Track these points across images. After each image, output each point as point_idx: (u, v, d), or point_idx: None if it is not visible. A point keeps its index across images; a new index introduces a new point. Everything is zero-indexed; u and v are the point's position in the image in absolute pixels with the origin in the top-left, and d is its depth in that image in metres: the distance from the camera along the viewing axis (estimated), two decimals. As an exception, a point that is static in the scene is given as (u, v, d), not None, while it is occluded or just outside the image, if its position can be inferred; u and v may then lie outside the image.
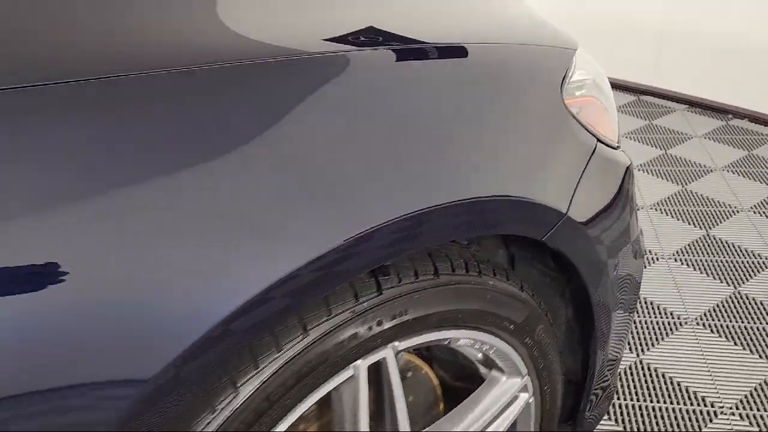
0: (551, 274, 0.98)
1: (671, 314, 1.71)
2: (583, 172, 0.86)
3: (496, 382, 0.90)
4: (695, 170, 2.49)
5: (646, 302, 1.75)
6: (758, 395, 1.45)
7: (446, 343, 0.79)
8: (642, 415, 1.42)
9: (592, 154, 0.89)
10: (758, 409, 1.41)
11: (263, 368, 0.61)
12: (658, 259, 1.93)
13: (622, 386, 1.49)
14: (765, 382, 1.48)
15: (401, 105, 0.66)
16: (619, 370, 1.37)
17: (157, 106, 0.56)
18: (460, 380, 0.98)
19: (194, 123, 0.57)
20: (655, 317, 1.69)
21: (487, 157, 0.72)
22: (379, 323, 0.68)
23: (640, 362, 1.55)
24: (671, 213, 2.20)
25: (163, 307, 0.54)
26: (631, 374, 1.52)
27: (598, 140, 0.92)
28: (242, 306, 0.56)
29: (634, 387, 1.49)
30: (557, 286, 0.99)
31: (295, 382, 0.63)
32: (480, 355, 0.90)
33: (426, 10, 0.86)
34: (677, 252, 1.97)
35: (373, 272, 0.69)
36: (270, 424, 0.63)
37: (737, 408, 1.42)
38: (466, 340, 0.80)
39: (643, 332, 1.64)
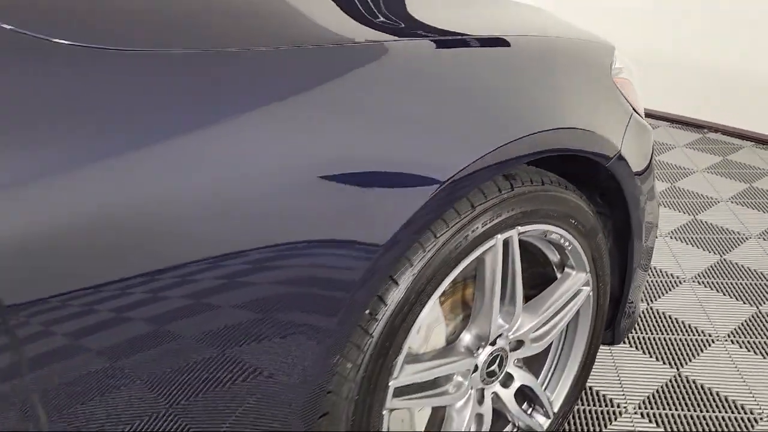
0: (599, 210, 1.36)
1: (671, 275, 2.10)
2: (627, 126, 1.25)
3: (568, 276, 1.26)
4: (681, 172, 2.93)
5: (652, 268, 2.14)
6: (749, 324, 1.84)
7: (543, 235, 1.16)
8: (652, 344, 1.79)
9: (631, 116, 1.29)
10: (752, 337, 1.80)
11: (452, 226, 0.98)
12: (657, 237, 2.34)
13: (637, 326, 1.86)
14: (754, 314, 1.88)
15: (544, 76, 1.07)
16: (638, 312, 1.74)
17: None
18: (533, 289, 1.34)
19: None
20: (660, 278, 2.08)
21: (570, 104, 1.11)
22: (512, 209, 1.05)
23: (651, 309, 1.93)
24: (665, 204, 2.61)
25: (398, 184, 0.89)
26: (644, 317, 1.90)
27: (633, 109, 1.32)
28: (439, 189, 0.91)
29: (646, 325, 1.86)
30: (603, 220, 1.37)
31: (468, 241, 1.00)
32: (557, 258, 1.27)
33: (526, 20, 1.27)
34: (672, 232, 2.38)
35: (507, 177, 1.06)
36: (453, 265, 0.99)
37: (731, 336, 1.80)
38: (556, 235, 1.17)
39: (653, 288, 2.02)
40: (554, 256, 1.27)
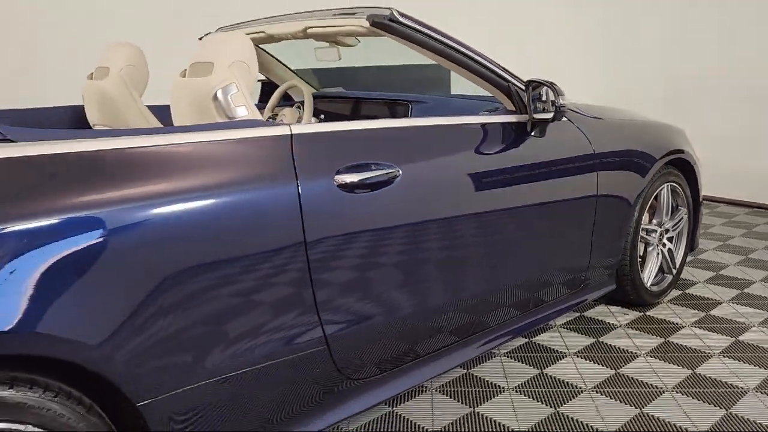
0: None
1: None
2: (695, 154, 3.45)
3: (679, 210, 3.37)
4: (690, 214, 5.10)
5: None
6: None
7: (674, 188, 3.30)
8: None
9: (694, 152, 3.50)
10: None
11: (651, 181, 3.08)
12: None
13: None
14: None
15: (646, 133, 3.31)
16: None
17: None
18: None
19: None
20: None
21: (680, 141, 3.30)
22: (667, 175, 3.19)
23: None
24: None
25: (641, 167, 3.04)
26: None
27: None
28: (651, 167, 3.06)
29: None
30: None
31: (655, 187, 3.11)
32: (675, 202, 3.40)
33: (647, 116, 3.50)
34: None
35: (665, 164, 3.21)
36: (650, 197, 3.10)
37: None
38: (678, 188, 3.29)
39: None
40: (674, 201, 3.40)
